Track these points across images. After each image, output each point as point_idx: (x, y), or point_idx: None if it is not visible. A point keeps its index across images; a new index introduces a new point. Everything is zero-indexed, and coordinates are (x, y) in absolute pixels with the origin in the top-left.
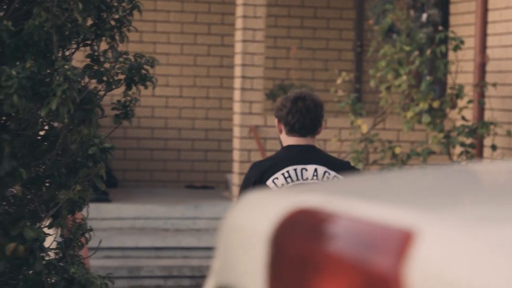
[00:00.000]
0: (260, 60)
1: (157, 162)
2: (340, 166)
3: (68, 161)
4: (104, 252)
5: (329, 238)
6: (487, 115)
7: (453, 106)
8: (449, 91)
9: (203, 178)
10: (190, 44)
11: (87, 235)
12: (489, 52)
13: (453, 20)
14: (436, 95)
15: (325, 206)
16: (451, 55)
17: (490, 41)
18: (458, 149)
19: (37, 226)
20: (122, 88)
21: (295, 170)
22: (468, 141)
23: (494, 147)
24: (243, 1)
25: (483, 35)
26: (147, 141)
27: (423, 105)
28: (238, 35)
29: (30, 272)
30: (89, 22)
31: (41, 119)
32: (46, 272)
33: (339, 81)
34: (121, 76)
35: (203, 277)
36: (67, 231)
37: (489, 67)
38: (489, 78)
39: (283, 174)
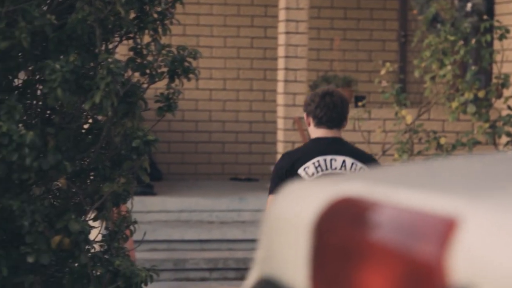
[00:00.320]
0: (303, 52)
1: (201, 155)
2: (366, 158)
3: (112, 154)
4: (150, 245)
5: (372, 227)
6: None
7: (499, 96)
8: (494, 80)
9: (248, 170)
10: (233, 37)
11: (131, 227)
12: None
13: (498, 9)
14: (482, 85)
15: (368, 194)
16: (497, 44)
17: None
18: (504, 139)
19: (82, 219)
20: (165, 81)
21: (324, 160)
22: None
23: None
24: None
25: None
26: (192, 134)
27: (468, 95)
28: (281, 27)
29: (76, 264)
30: (132, 15)
31: (85, 113)
32: (91, 264)
33: (383, 71)
34: (164, 69)
35: (248, 269)
36: (112, 224)
37: None
38: None
39: (313, 163)
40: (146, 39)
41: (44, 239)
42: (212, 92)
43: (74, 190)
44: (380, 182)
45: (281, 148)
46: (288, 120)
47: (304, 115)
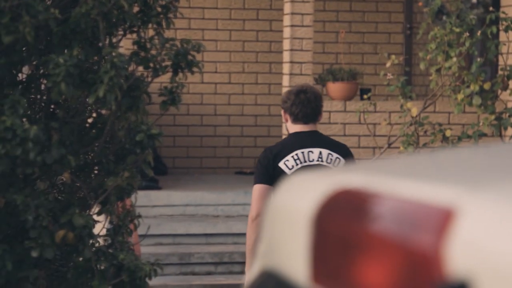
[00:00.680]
0: (309, 45)
1: (206, 149)
2: (341, 149)
3: (116, 148)
4: (155, 239)
5: (371, 218)
6: None
7: (505, 88)
8: (500, 72)
9: (253, 164)
10: (239, 30)
11: (136, 221)
12: None
13: (504, 0)
14: (487, 77)
15: (368, 186)
16: (502, 36)
17: None
18: (510, 131)
19: (86, 213)
20: (170, 75)
21: (302, 153)
22: None
23: None
24: None
25: None
26: (197, 128)
27: (474, 87)
28: (287, 20)
29: (80, 259)
30: (135, 9)
31: (89, 107)
32: (95, 258)
33: (388, 64)
34: (168, 62)
35: None
36: (116, 218)
37: None
38: None
39: (292, 156)
40: (151, 33)
41: (48, 234)
42: (217, 86)
43: (78, 184)
44: (379, 173)
45: None
46: None
47: (282, 111)
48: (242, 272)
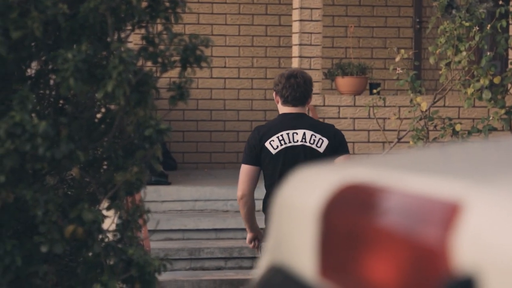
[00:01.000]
0: (318, 39)
1: (216, 144)
2: (325, 130)
3: (125, 143)
4: (165, 234)
5: (378, 212)
6: None
7: None
8: (510, 66)
9: None
10: (248, 25)
11: (145, 216)
12: None
13: None
14: (497, 71)
15: (375, 180)
16: None
17: None
18: None
19: (95, 208)
20: (179, 70)
21: (287, 134)
22: None
23: None
24: None
25: None
26: (206, 123)
27: (484, 81)
28: (295, 15)
29: (89, 254)
30: (144, 4)
31: (97, 102)
32: (104, 254)
33: (398, 58)
34: (176, 57)
35: None
36: (125, 213)
37: None
38: None
39: (277, 137)
40: (159, 28)
41: (57, 229)
42: (227, 81)
43: (87, 179)
44: (387, 168)
45: None
46: None
47: (274, 93)
48: (252, 267)
